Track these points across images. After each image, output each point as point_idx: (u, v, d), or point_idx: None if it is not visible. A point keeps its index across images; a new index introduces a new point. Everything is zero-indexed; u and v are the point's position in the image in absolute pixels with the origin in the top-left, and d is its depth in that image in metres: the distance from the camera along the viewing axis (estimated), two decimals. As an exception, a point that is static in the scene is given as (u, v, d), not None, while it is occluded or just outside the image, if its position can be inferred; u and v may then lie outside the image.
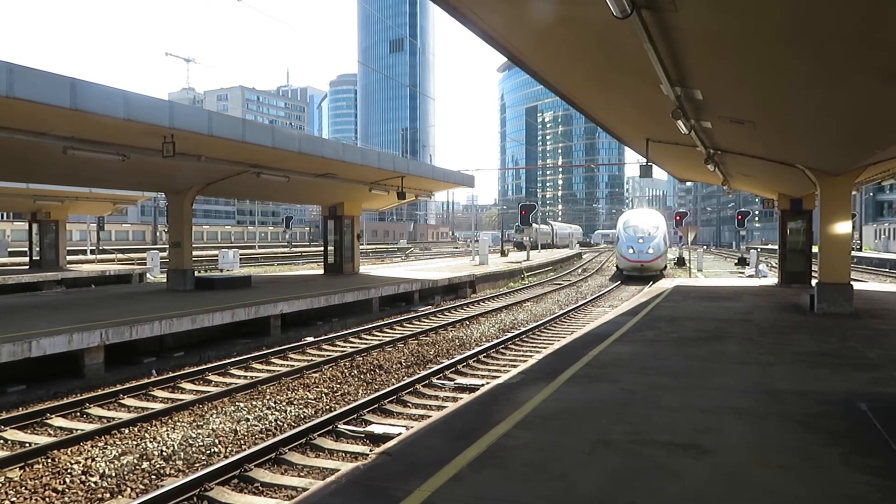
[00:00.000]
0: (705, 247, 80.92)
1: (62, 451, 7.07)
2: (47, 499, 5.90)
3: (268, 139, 14.36)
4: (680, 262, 39.00)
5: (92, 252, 43.49)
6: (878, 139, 9.90)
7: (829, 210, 13.68)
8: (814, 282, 15.00)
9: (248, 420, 8.28)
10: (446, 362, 11.29)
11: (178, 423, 8.16)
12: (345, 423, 7.94)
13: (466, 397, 7.21)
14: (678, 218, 37.34)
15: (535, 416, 6.12)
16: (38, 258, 29.39)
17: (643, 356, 9.10)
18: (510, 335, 13.97)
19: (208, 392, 9.59)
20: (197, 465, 6.77)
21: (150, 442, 7.36)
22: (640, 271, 31.04)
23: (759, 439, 5.46)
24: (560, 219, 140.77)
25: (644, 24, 5.61)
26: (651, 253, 30.86)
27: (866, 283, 24.71)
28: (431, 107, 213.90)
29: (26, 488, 6.11)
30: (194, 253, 24.35)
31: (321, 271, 27.11)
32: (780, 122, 10.61)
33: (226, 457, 6.93)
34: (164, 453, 7.01)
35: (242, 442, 7.52)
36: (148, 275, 29.87)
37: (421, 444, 5.44)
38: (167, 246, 20.51)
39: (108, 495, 6.00)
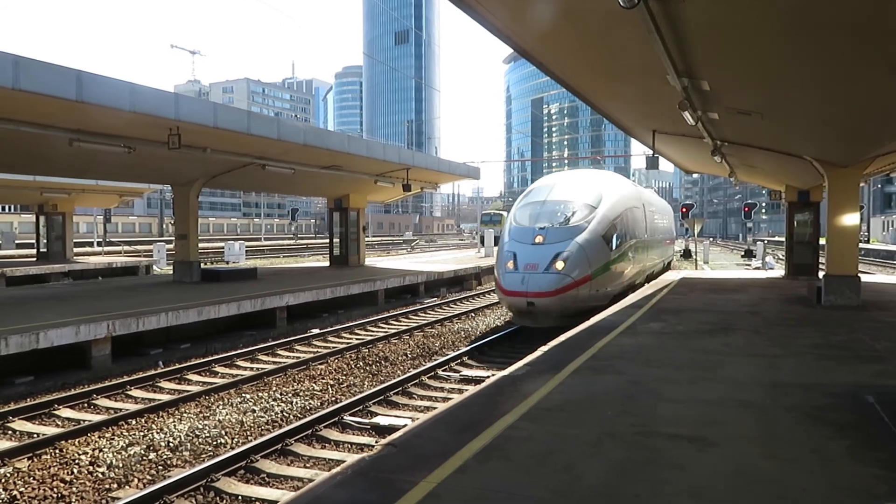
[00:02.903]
0: (712, 239, 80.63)
1: (70, 441, 7.12)
2: (55, 489, 5.95)
3: (273, 131, 14.36)
4: (686, 255, 38.85)
5: (99, 244, 43.68)
6: (886, 130, 9.81)
7: (837, 202, 13.57)
8: (821, 274, 14.93)
9: (254, 411, 8.32)
10: (452, 354, 11.31)
11: (184, 415, 8.21)
12: (351, 415, 7.98)
13: (472, 389, 7.21)
14: (684, 210, 36.77)
15: (541, 408, 6.11)
16: (45, 250, 29.54)
17: (649, 348, 9.08)
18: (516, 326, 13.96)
19: (215, 383, 9.63)
20: (204, 455, 6.82)
21: (157, 433, 7.40)
22: (533, 318, 12.56)
23: (765, 432, 5.44)
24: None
25: (651, 14, 5.57)
26: (557, 271, 12.28)
27: (874, 276, 24.58)
28: (437, 99, 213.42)
29: (34, 479, 6.16)
30: (200, 245, 24.42)
31: (327, 263, 27.16)
32: (788, 114, 10.52)
33: (232, 448, 6.97)
34: (171, 444, 7.06)
35: (249, 433, 7.56)
36: (154, 267, 29.98)
37: (426, 436, 5.44)
38: (173, 238, 20.56)
39: (115, 486, 6.05)
